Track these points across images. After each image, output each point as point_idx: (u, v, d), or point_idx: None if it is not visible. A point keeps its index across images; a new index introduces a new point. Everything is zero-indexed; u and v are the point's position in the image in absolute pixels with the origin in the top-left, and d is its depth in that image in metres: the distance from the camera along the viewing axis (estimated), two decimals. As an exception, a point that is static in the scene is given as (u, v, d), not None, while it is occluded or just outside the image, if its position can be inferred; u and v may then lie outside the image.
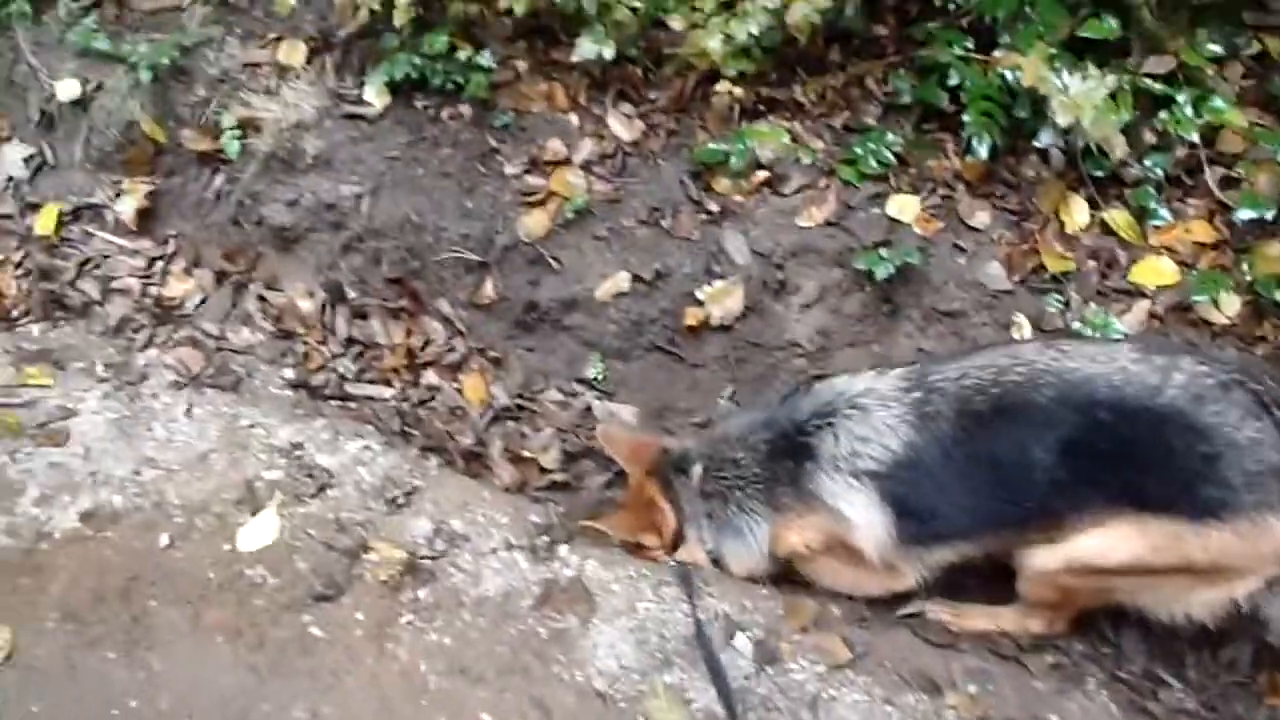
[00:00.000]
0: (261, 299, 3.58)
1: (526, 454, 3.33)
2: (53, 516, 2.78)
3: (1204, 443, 2.45)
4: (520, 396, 3.45)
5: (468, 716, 2.50)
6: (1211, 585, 2.57)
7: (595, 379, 3.47)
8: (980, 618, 2.95)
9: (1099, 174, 3.32)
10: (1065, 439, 2.54)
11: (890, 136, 3.42)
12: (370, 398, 3.38)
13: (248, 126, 3.59)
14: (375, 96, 3.59)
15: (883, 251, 3.29)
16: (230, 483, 2.89)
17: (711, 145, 3.43)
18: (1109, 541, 2.54)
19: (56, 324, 3.40)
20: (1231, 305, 3.15)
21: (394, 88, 3.58)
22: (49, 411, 3.04)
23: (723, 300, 3.39)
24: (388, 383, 3.43)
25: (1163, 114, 3.24)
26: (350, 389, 3.40)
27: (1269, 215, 3.15)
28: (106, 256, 3.60)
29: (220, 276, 3.60)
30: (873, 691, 2.69)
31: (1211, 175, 3.31)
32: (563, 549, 2.90)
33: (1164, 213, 3.30)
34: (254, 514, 2.81)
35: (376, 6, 3.49)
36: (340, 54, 3.68)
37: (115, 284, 3.54)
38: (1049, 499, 2.58)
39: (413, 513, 2.90)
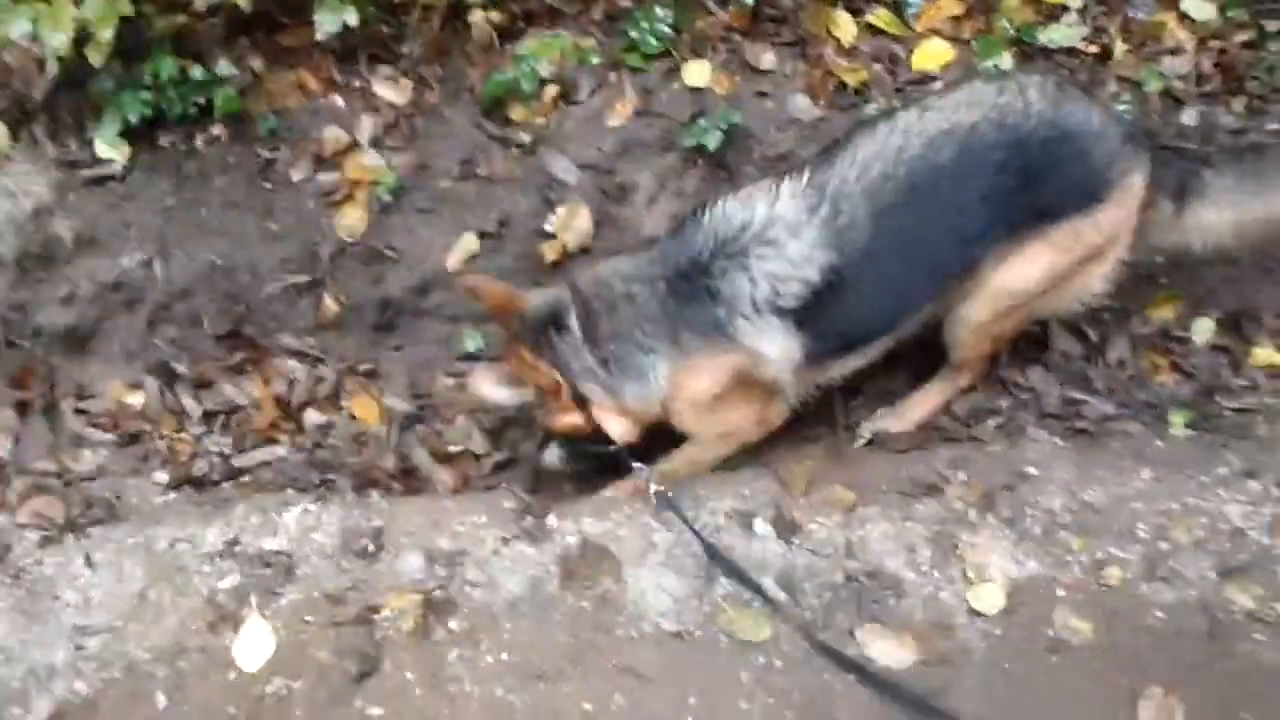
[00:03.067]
0: (81, 412, 3.14)
1: (453, 450, 3.17)
2: (20, 737, 2.39)
3: (1073, 141, 2.68)
4: (416, 397, 3.25)
5: (571, 715, 2.43)
6: (1103, 260, 2.85)
7: (478, 350, 3.32)
8: (917, 407, 3.16)
9: (849, -18, 3.48)
10: (977, 190, 2.66)
11: (659, 10, 3.40)
12: (265, 463, 3.09)
13: (-23, 235, 3.07)
14: (113, 150, 3.16)
15: (702, 121, 3.31)
16: (191, 610, 2.58)
17: (497, 77, 3.28)
18: (1025, 266, 2.74)
19: None
20: (1006, 61, 3.44)
21: (128, 134, 3.15)
22: (-72, 632, 2.56)
23: (572, 224, 3.31)
24: (272, 441, 3.14)
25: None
26: (238, 463, 3.08)
27: (1011, -29, 3.43)
28: None
29: (21, 407, 3.11)
30: (890, 515, 2.84)
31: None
32: (552, 520, 2.81)
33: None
34: (237, 630, 2.52)
35: (63, 53, 3.02)
36: (47, 118, 3.18)
37: (-100, 465, 2.98)
38: (968, 253, 2.72)
39: (393, 553, 2.71)
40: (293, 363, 3.25)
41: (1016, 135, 2.65)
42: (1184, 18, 3.46)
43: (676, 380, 2.74)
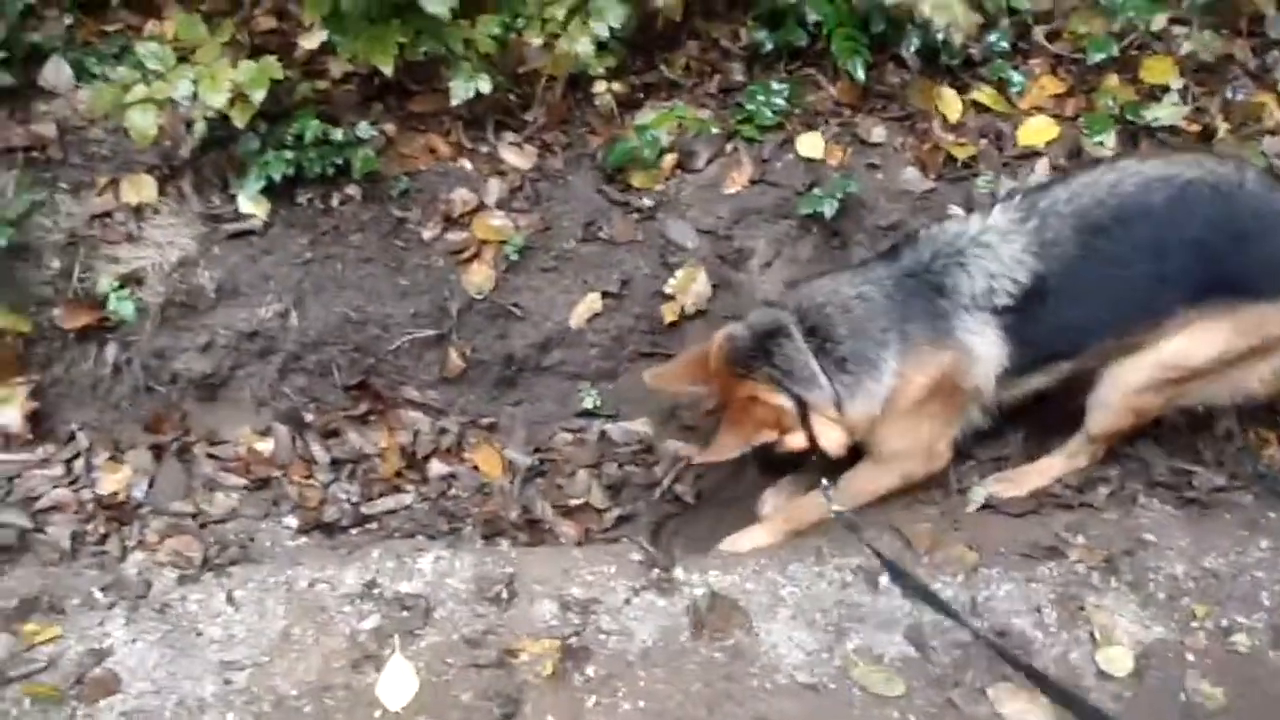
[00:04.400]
0: (213, 457, 3.22)
1: (574, 503, 3.23)
2: (168, 769, 2.44)
3: (1275, 224, 2.78)
4: (536, 451, 3.33)
5: (711, 763, 2.45)
6: (1269, 357, 2.89)
7: (595, 408, 3.40)
8: (1034, 475, 3.20)
9: (954, 62, 3.61)
10: (1180, 238, 2.74)
11: (775, 85, 3.54)
12: (391, 510, 3.16)
13: (129, 282, 3.20)
14: (254, 206, 3.29)
15: (817, 190, 3.42)
16: (334, 649, 2.63)
17: (620, 145, 3.42)
18: (1203, 336, 2.79)
19: (2, 571, 2.91)
20: (1112, 138, 3.54)
21: (269, 191, 3.30)
22: (78, 663, 2.62)
23: (689, 287, 3.41)
24: (398, 489, 3.21)
25: (985, -6, 3.58)
26: (366, 510, 3.15)
27: (1114, 53, 3.56)
28: (13, 478, 3.11)
29: (157, 451, 3.20)
30: (1013, 576, 2.87)
31: (1041, 33, 3.70)
32: (679, 573, 2.86)
33: (1018, 78, 3.64)
34: (380, 669, 2.57)
35: (209, 114, 3.18)
36: (193, 175, 3.33)
37: (42, 502, 3.06)
38: (1159, 297, 2.78)
39: (526, 600, 2.77)
40: (416, 414, 3.33)
41: (1229, 202, 2.76)
42: (1282, 99, 3.56)
43: (903, 373, 2.81)
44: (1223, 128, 3.52)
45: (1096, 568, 2.90)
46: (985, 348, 2.81)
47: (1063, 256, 2.75)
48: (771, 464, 3.11)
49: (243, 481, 3.17)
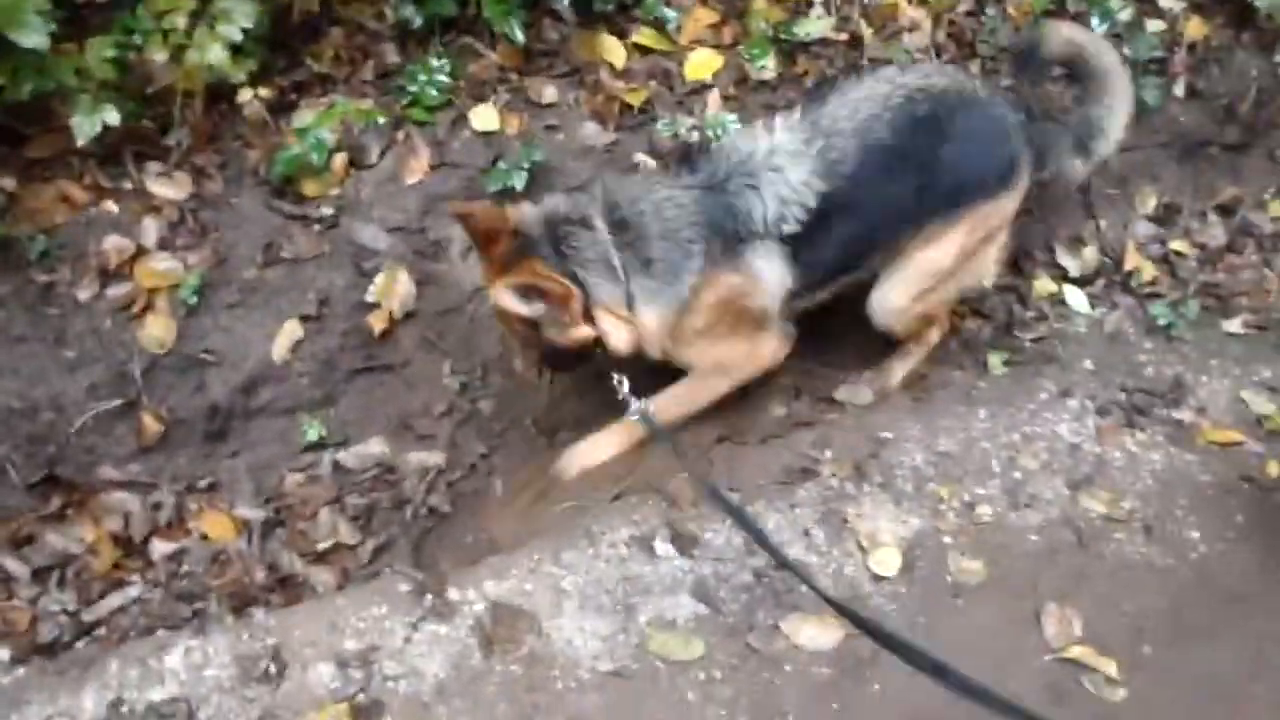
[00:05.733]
0: (-118, 606, 2.74)
1: (323, 547, 3.00)
2: None
3: (999, 130, 2.94)
4: (268, 501, 3.05)
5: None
6: (995, 241, 3.12)
7: (321, 439, 3.16)
8: (897, 369, 3.33)
9: (609, 8, 3.56)
10: (935, 150, 2.83)
11: (434, 61, 3.36)
12: (118, 610, 2.81)
13: None
14: None
15: (502, 165, 3.30)
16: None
17: (283, 154, 3.14)
18: (950, 240, 2.94)
19: None
20: (771, 60, 3.62)
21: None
22: None
23: (392, 290, 3.21)
24: (121, 584, 2.86)
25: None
26: (88, 617, 2.78)
27: (759, -23, 3.62)
28: None
29: None
30: (776, 506, 2.94)
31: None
32: (453, 592, 2.72)
33: (672, 14, 3.63)
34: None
35: None
36: None
37: None
38: (919, 211, 2.89)
39: (299, 668, 2.53)
40: (122, 494, 2.97)
41: (969, 109, 2.90)
42: (911, -3, 3.76)
43: (696, 288, 2.80)
44: (868, 33, 3.67)
45: (849, 478, 3.01)
46: (772, 273, 2.83)
47: (846, 174, 2.78)
48: (560, 366, 3.10)
49: (-72, 623, 2.72)
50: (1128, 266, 3.78)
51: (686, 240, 2.77)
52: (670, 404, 3.04)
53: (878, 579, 2.80)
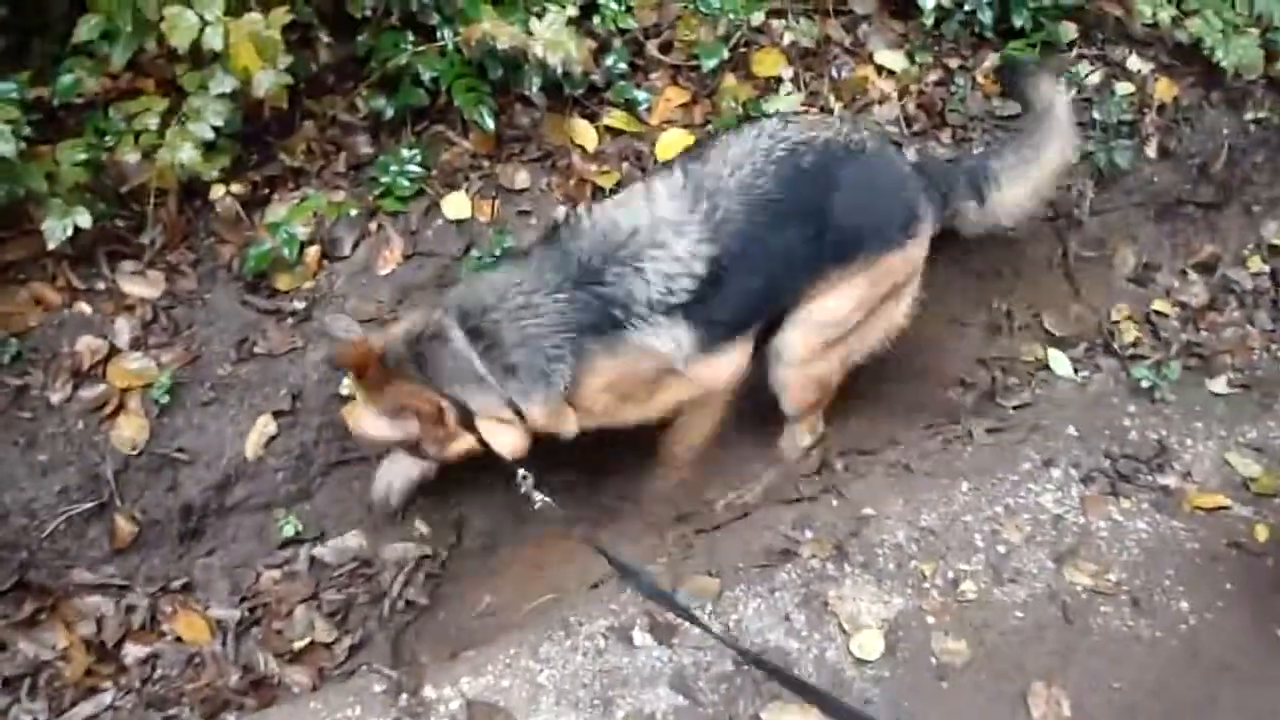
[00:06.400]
0: None
1: (298, 646, 2.96)
2: None
3: (893, 179, 2.96)
4: (243, 600, 3.02)
5: None
6: (902, 297, 3.10)
7: (297, 534, 3.14)
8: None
9: (579, 92, 3.59)
10: (824, 200, 2.81)
11: (405, 151, 3.39)
12: (91, 717, 2.77)
13: None
14: None
15: (475, 252, 3.31)
16: None
17: (255, 250, 3.15)
18: (844, 293, 2.90)
19: None
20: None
21: None
22: None
23: (368, 381, 3.20)
24: (94, 690, 2.82)
25: (595, 18, 3.58)
26: (63, 724, 2.75)
27: (725, 55, 3.65)
28: None
29: None
30: (756, 591, 2.90)
31: (654, 47, 3.74)
32: (429, 691, 2.68)
33: (643, 96, 3.66)
34: None
35: None
36: None
37: None
38: (810, 262, 2.85)
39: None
40: (95, 598, 2.94)
41: (858, 161, 2.89)
42: (881, 70, 3.79)
43: (580, 380, 2.76)
44: (836, 107, 3.70)
45: (829, 558, 2.97)
46: (666, 343, 2.77)
47: (734, 233, 2.74)
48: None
49: (-102, 740, 2.68)
50: (1109, 328, 3.77)
51: (552, 347, 2.72)
52: (688, 443, 3.10)
53: (860, 663, 2.75)
